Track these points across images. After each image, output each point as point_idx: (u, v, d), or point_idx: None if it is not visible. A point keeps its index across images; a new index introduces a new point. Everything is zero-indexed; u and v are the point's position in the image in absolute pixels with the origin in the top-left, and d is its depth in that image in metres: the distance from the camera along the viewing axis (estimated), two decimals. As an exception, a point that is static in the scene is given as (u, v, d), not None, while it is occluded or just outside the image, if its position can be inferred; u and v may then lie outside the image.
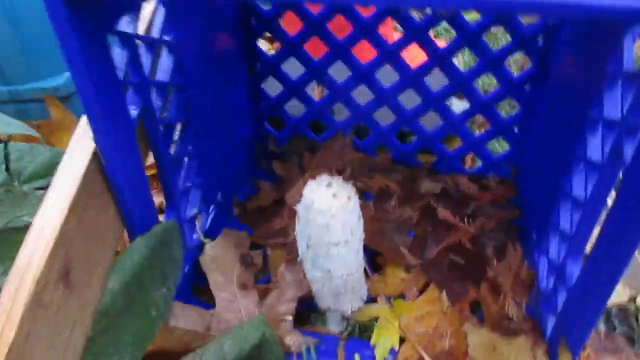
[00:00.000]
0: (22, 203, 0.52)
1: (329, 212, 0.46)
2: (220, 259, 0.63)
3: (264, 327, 0.51)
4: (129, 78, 0.45)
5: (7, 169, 0.61)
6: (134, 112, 0.45)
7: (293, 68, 0.76)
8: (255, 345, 0.50)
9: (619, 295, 0.64)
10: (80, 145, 0.42)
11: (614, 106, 0.43)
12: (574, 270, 0.48)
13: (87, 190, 0.41)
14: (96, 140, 0.41)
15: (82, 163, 0.41)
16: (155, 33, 0.49)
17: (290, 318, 0.58)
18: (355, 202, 0.47)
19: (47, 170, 0.67)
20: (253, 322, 0.52)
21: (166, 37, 0.51)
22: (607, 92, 0.45)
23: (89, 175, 0.41)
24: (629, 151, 0.39)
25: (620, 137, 0.40)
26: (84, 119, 0.42)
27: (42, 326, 0.36)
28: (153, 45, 0.49)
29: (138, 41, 0.46)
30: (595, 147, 0.47)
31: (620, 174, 0.41)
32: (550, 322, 0.53)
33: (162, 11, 0.50)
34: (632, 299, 0.64)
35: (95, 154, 0.42)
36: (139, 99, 0.46)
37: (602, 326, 0.62)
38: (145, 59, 0.47)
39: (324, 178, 0.47)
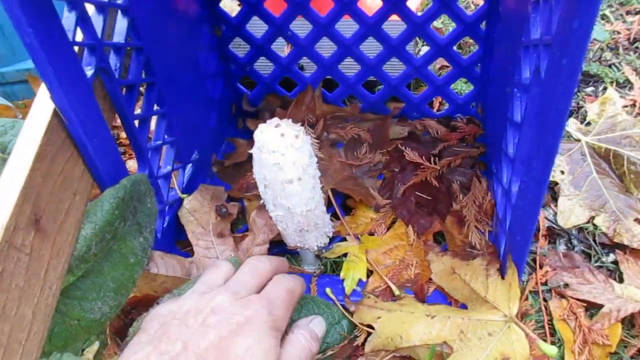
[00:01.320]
0: (2, 168, 0.56)
1: (279, 151, 0.49)
2: (197, 212, 0.67)
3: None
4: (82, 40, 0.48)
5: (-9, 142, 0.65)
6: (89, 72, 0.48)
7: (258, 27, 0.79)
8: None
9: (579, 217, 0.67)
10: (42, 104, 0.46)
11: (536, 28, 0.46)
12: (516, 190, 0.51)
13: (50, 144, 0.45)
14: (53, 98, 0.44)
15: (44, 120, 0.45)
16: (104, -4, 0.51)
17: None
18: (303, 139, 0.50)
19: (31, 143, 0.71)
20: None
21: (118, 1, 0.54)
22: (533, 17, 0.47)
23: (51, 131, 0.45)
24: (544, 66, 0.41)
25: (539, 55, 0.43)
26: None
27: (16, 266, 0.40)
28: (104, 8, 0.51)
29: (88, 5, 0.49)
30: (526, 71, 0.49)
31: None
32: (503, 244, 0.56)
33: (112, -25, 0.52)
34: (591, 219, 0.67)
35: (55, 112, 0.45)
36: (93, 60, 0.49)
37: (562, 247, 0.65)
38: (96, 21, 0.50)
39: (273, 120, 0.50)
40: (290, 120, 0.51)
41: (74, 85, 0.46)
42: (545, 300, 0.58)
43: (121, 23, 0.55)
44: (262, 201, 0.56)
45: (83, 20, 0.48)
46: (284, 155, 0.49)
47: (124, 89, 0.56)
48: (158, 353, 0.40)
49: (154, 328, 0.44)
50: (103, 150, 0.51)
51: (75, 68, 0.46)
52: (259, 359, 0.40)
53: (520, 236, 0.48)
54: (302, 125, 0.79)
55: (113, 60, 0.54)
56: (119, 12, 0.55)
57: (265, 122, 0.83)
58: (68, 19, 0.46)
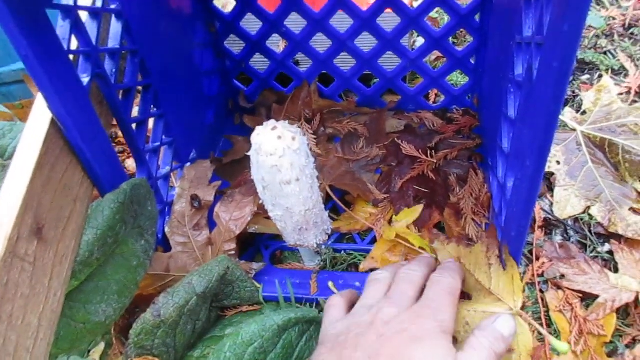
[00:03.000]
0: (3, 175, 0.56)
1: (276, 154, 0.49)
2: (178, 201, 0.67)
3: (227, 262, 0.56)
4: (77, 48, 0.48)
5: (-10, 147, 0.65)
6: (85, 79, 0.48)
7: (252, 24, 0.79)
8: (221, 276, 0.55)
9: (575, 208, 0.68)
10: (40, 113, 0.46)
11: (528, 27, 0.46)
12: (510, 184, 0.51)
13: (49, 153, 0.45)
14: (50, 107, 0.45)
15: (42, 129, 0.45)
16: (98, 2, 0.51)
17: (233, 253, 0.63)
18: (300, 141, 0.50)
19: (29, 146, 0.71)
20: (217, 259, 0.57)
21: (111, 6, 0.54)
22: (526, 14, 0.48)
23: (50, 139, 0.45)
24: (536, 66, 0.42)
25: (531, 53, 0.43)
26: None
27: (20, 276, 0.41)
28: (98, 14, 0.52)
29: (80, 11, 0.49)
30: (519, 68, 0.49)
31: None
32: (499, 237, 0.57)
33: (104, -20, 0.53)
34: (587, 209, 0.67)
35: (53, 121, 0.46)
36: (89, 67, 0.49)
37: (558, 238, 0.66)
38: (91, 27, 0.50)
39: (270, 122, 0.51)
40: (287, 121, 0.52)
41: (70, 93, 0.46)
42: (542, 291, 0.59)
43: (115, 27, 0.55)
44: (261, 201, 0.57)
45: (77, 28, 0.48)
46: (281, 157, 0.49)
47: (121, 93, 0.56)
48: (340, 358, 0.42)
49: (332, 342, 0.46)
50: (101, 155, 0.51)
51: (71, 76, 0.46)
52: None
53: (515, 231, 0.49)
54: (299, 121, 0.80)
55: (108, 65, 0.54)
56: (113, 16, 0.55)
57: (262, 117, 0.84)
58: (62, 27, 0.46)
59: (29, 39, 0.40)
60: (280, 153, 0.49)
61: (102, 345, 0.61)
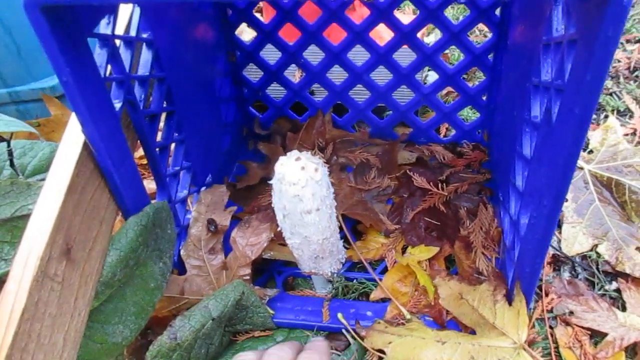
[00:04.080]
0: (27, 193, 0.57)
1: (299, 184, 0.51)
2: (194, 225, 0.68)
3: (242, 287, 0.57)
4: (111, 75, 0.50)
5: (12, 164, 0.66)
6: (117, 105, 0.50)
7: (271, 54, 0.81)
8: (236, 301, 0.56)
9: (583, 245, 0.69)
10: (72, 136, 0.48)
11: (547, 70, 0.48)
12: (525, 222, 0.53)
13: (81, 176, 0.47)
14: (84, 132, 0.46)
15: (75, 152, 0.47)
16: (132, 31, 0.54)
17: (248, 278, 0.63)
18: (322, 172, 0.52)
19: (49, 165, 0.72)
20: (233, 284, 0.57)
21: (144, 35, 0.56)
22: (543, 58, 0.50)
23: (81, 162, 0.47)
24: (555, 110, 0.44)
25: (550, 98, 0.45)
26: (74, 114, 0.48)
27: (50, 295, 0.42)
28: (132, 43, 0.54)
29: (117, 41, 0.51)
30: (537, 109, 0.51)
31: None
32: (511, 272, 0.58)
33: (138, 11, 0.55)
34: (594, 247, 0.69)
35: (85, 145, 0.47)
36: (121, 93, 0.51)
37: (566, 274, 0.67)
38: (125, 56, 0.52)
39: (293, 153, 0.52)
40: (310, 152, 0.53)
41: (104, 118, 0.48)
42: (551, 327, 0.60)
43: (145, 55, 0.57)
44: (279, 228, 0.58)
45: (113, 56, 0.50)
46: (304, 187, 0.51)
47: (147, 119, 0.58)
48: None
49: None
50: (128, 179, 0.52)
51: (106, 102, 0.48)
52: None
53: (529, 268, 0.50)
54: (313, 149, 0.82)
55: (138, 91, 0.56)
56: (144, 45, 0.57)
57: (276, 144, 0.86)
58: (100, 55, 0.48)
59: (71, 66, 0.42)
60: (302, 183, 0.51)
61: (114, 366, 0.61)
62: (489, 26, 0.71)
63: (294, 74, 0.92)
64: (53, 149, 0.73)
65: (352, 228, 0.74)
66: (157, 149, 0.60)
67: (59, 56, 0.41)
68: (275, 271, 0.70)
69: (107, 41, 0.49)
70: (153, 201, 0.60)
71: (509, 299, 0.56)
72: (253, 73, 0.85)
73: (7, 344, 0.37)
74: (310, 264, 0.60)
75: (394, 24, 0.72)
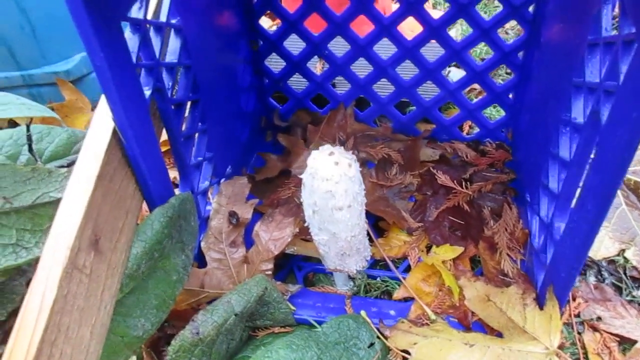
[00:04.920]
0: (48, 180, 0.56)
1: (332, 179, 0.49)
2: (215, 217, 0.67)
3: (265, 282, 0.56)
4: (141, 61, 0.48)
5: (30, 149, 0.65)
6: (147, 92, 0.49)
7: (294, 44, 0.79)
8: (259, 296, 0.55)
9: (609, 249, 0.68)
10: (101, 124, 0.46)
11: (594, 71, 0.46)
12: (561, 226, 0.52)
13: (109, 164, 0.45)
14: (114, 119, 0.45)
15: (104, 140, 0.45)
16: (162, 17, 0.52)
17: (270, 272, 0.62)
18: (355, 168, 0.50)
19: (66, 150, 0.71)
20: (255, 279, 0.56)
21: (173, 20, 0.54)
22: (588, 58, 0.48)
23: (110, 151, 0.45)
24: (605, 112, 0.42)
25: (598, 99, 0.44)
26: (103, 100, 0.46)
27: (78, 287, 0.41)
28: (162, 28, 0.52)
29: (148, 25, 0.49)
30: (578, 111, 0.50)
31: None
32: (540, 276, 0.57)
33: (168, -4, 0.53)
34: (621, 252, 0.68)
35: (114, 132, 0.46)
36: (151, 80, 0.50)
37: (592, 278, 0.66)
38: (155, 42, 0.51)
39: (326, 147, 0.51)
40: (342, 147, 0.52)
41: (134, 105, 0.46)
42: (579, 333, 0.59)
43: (174, 42, 0.56)
44: (306, 223, 0.57)
45: (144, 41, 0.48)
46: (337, 183, 0.49)
47: (174, 107, 0.56)
48: None
49: None
50: (155, 169, 0.51)
51: (137, 89, 0.47)
52: None
53: (566, 273, 0.49)
54: (333, 143, 0.80)
55: (166, 79, 0.54)
56: (172, 31, 0.55)
57: (297, 137, 0.84)
58: (132, 40, 0.47)
59: (105, 50, 0.40)
60: (336, 179, 0.49)
61: (133, 359, 0.60)
62: (521, 23, 0.70)
63: (315, 66, 0.90)
64: (70, 135, 0.72)
65: (374, 225, 0.72)
66: (182, 139, 0.59)
67: (94, 39, 0.39)
68: (295, 266, 0.69)
69: (139, 26, 0.47)
70: (177, 192, 0.58)
71: (540, 303, 0.55)
72: (274, 63, 0.83)
73: (37, 338, 0.36)
74: (336, 261, 0.58)
75: (423, 18, 0.71)
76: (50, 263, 0.39)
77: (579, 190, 0.47)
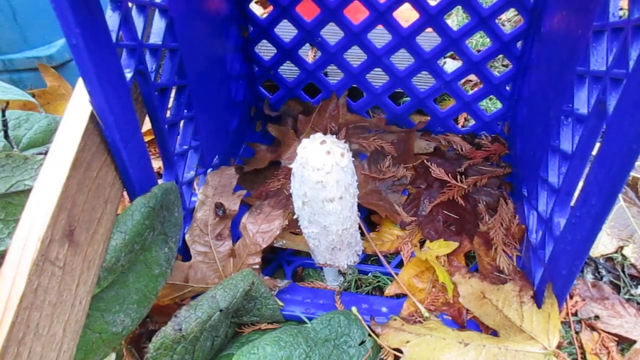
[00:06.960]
0: (24, 168, 0.53)
1: (323, 169, 0.47)
2: (200, 209, 0.64)
3: (252, 277, 0.53)
4: (121, 41, 0.46)
5: (6, 136, 0.62)
6: (128, 74, 0.46)
7: (286, 31, 0.77)
8: (246, 292, 0.52)
9: (607, 246, 0.66)
10: (78, 107, 0.43)
11: (600, 59, 0.44)
12: (561, 221, 0.50)
13: (86, 151, 0.42)
14: (92, 102, 0.42)
15: (80, 125, 0.42)
16: (146, -5, 0.49)
17: (257, 267, 0.60)
18: (348, 158, 0.48)
19: (45, 137, 0.68)
20: (242, 274, 0.54)
21: (157, 0, 0.51)
22: (593, 46, 0.46)
23: (87, 137, 0.42)
24: (612, 102, 0.40)
25: (604, 88, 0.41)
26: (80, 83, 0.43)
27: (50, 281, 0.38)
28: (145, 7, 0.49)
29: (130, 4, 0.46)
30: (582, 101, 0.48)
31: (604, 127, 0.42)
32: (538, 273, 0.55)
33: (152, -27, 0.50)
34: (619, 250, 0.66)
35: (92, 117, 0.43)
36: (133, 62, 0.47)
37: (589, 276, 0.65)
38: (138, 21, 0.48)
39: (318, 136, 0.48)
40: (335, 136, 0.49)
41: (113, 88, 0.43)
42: (576, 332, 0.57)
43: (158, 23, 0.53)
44: (295, 216, 0.54)
45: (126, 20, 0.45)
46: (328, 173, 0.47)
47: (157, 92, 0.53)
48: None
49: None
50: (136, 156, 0.48)
51: (117, 70, 0.44)
52: None
53: (567, 270, 0.47)
54: (325, 134, 0.78)
55: (149, 61, 0.51)
56: (157, 12, 0.52)
57: (287, 127, 0.82)
58: (112, 18, 0.44)
59: (81, 27, 0.38)
60: (327, 169, 0.47)
61: (112, 357, 0.58)
62: (521, 12, 0.67)
63: (306, 54, 0.88)
64: (50, 122, 0.69)
65: (366, 218, 0.70)
66: (167, 126, 0.56)
67: (69, 14, 0.37)
68: (284, 260, 0.66)
69: (119, 3, 0.44)
70: (160, 181, 0.56)
71: (537, 301, 0.53)
72: (265, 51, 0.80)
73: (2, 335, 0.33)
74: (326, 256, 0.56)
75: (420, 5, 0.68)
76: (19, 255, 0.36)
77: (580, 184, 0.46)
